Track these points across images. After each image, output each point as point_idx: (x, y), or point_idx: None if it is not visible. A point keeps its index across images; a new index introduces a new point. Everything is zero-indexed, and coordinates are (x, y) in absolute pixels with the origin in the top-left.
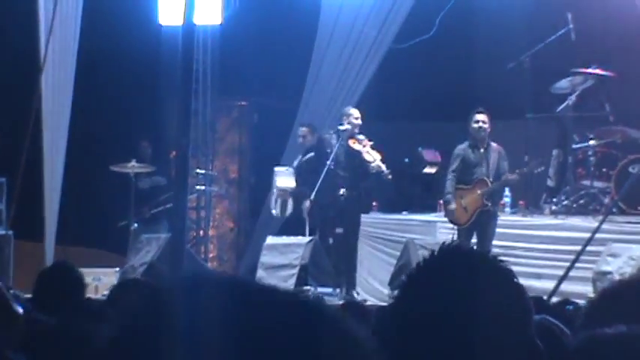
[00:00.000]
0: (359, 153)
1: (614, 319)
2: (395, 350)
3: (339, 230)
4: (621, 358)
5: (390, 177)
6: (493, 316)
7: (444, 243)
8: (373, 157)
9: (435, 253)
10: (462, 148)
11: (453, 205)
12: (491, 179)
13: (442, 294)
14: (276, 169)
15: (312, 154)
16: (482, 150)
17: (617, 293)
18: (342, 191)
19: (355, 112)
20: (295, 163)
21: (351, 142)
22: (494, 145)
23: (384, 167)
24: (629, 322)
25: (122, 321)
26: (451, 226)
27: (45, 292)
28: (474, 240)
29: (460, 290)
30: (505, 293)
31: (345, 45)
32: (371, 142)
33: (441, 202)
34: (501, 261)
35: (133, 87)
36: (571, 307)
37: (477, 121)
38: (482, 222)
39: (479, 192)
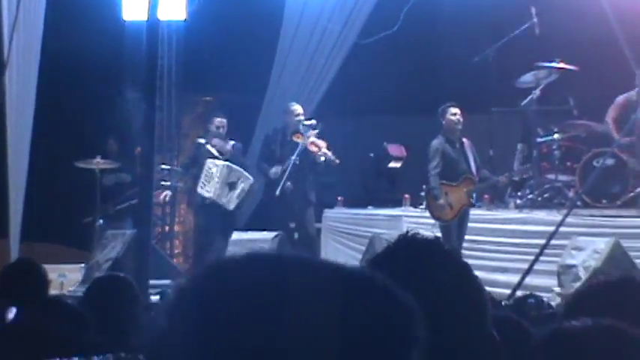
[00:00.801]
0: (303, 146)
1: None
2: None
3: (291, 225)
4: (585, 350)
5: (337, 162)
6: (450, 309)
7: (402, 234)
8: (318, 147)
9: (393, 244)
10: (439, 143)
11: (441, 201)
12: (476, 178)
13: (399, 286)
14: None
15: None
16: (457, 145)
17: (590, 293)
18: (288, 184)
19: (297, 109)
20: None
21: (295, 138)
22: (465, 140)
23: (329, 154)
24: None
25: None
26: (417, 220)
27: (7, 288)
28: None
29: (417, 282)
30: (463, 286)
31: (310, 40)
32: (315, 131)
33: (424, 194)
34: (459, 255)
35: (97, 83)
36: (532, 301)
37: (455, 114)
38: (463, 218)
39: (465, 190)
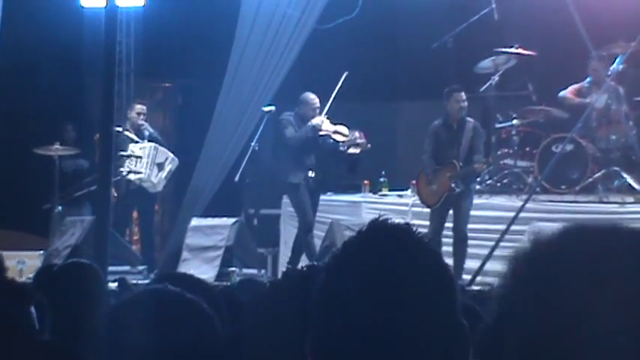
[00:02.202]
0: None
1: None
2: (320, 327)
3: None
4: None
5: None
6: (419, 295)
7: (373, 219)
8: (341, 134)
9: (364, 228)
10: (436, 125)
11: (434, 186)
12: (461, 162)
13: (368, 270)
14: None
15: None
16: (455, 128)
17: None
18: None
19: (314, 99)
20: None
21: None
22: (470, 121)
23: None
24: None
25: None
26: (376, 207)
27: None
28: (449, 224)
29: (386, 267)
30: (431, 272)
31: (269, 26)
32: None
33: (416, 180)
34: (429, 241)
35: (56, 69)
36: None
37: (458, 100)
38: (454, 203)
39: (447, 175)
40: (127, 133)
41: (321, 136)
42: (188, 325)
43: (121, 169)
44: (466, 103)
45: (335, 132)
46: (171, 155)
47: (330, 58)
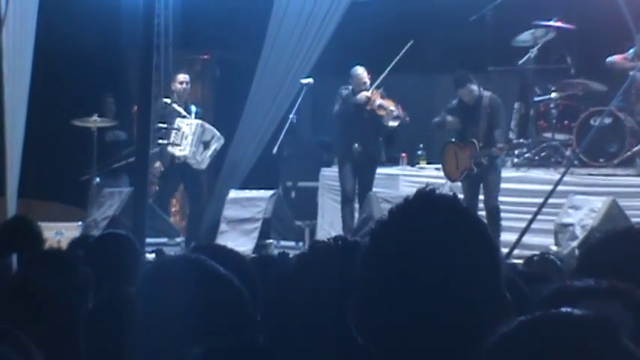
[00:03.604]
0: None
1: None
2: (364, 295)
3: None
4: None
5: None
6: (464, 267)
7: (420, 189)
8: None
9: (409, 199)
10: (452, 105)
11: (456, 162)
12: (481, 140)
13: (412, 239)
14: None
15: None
16: (472, 105)
17: (600, 247)
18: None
19: (361, 73)
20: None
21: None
22: (486, 96)
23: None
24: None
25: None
26: (414, 179)
27: (3, 246)
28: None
29: (431, 238)
30: (477, 244)
31: None
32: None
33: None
34: (475, 212)
35: (94, 41)
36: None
37: (474, 91)
38: (483, 177)
39: (467, 154)
40: (174, 105)
41: (368, 111)
42: (215, 294)
43: (161, 141)
44: (475, 92)
45: (380, 106)
46: (218, 134)
47: (368, 31)
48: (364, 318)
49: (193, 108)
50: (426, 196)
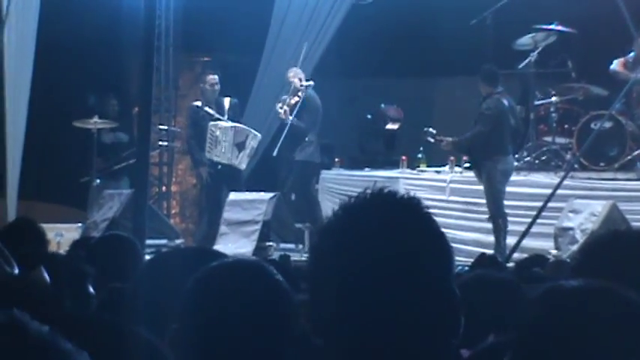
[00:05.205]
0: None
1: (598, 273)
2: (313, 293)
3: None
4: (574, 310)
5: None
6: (411, 259)
7: (367, 188)
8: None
9: (358, 196)
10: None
11: None
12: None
13: (359, 236)
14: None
15: None
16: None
17: (597, 248)
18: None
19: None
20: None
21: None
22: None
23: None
24: (613, 275)
25: None
26: (414, 182)
27: (6, 248)
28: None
29: (378, 234)
30: (424, 238)
31: (308, 0)
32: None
33: None
34: (424, 206)
35: (95, 43)
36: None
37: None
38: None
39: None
40: (206, 109)
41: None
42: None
43: (161, 142)
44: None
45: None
46: (252, 132)
47: (369, 33)
48: (314, 316)
49: (226, 102)
50: (371, 193)
